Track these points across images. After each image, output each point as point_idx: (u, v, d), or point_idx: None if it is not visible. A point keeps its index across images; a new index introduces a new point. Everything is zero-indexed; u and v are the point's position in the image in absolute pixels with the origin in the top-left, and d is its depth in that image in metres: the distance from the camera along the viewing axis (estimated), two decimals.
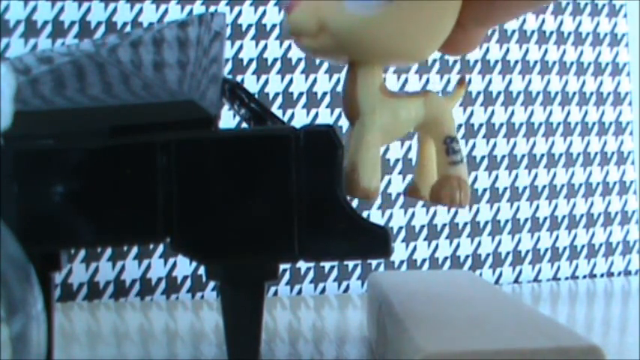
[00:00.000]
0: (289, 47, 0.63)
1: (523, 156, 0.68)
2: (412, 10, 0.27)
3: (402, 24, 0.27)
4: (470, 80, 0.67)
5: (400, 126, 0.30)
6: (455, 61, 0.67)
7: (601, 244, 0.70)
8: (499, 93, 0.68)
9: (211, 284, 0.59)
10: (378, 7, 0.27)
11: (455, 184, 0.30)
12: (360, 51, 0.28)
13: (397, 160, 0.64)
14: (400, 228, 0.64)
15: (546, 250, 0.68)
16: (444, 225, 0.65)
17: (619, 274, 0.70)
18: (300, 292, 0.61)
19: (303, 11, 0.28)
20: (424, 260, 0.64)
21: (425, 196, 0.32)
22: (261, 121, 0.34)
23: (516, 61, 0.69)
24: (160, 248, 0.59)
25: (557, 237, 0.69)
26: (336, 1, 0.27)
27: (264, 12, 0.63)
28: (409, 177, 0.64)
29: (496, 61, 0.68)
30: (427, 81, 0.66)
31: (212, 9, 0.62)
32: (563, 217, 0.69)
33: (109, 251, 0.57)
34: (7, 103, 0.21)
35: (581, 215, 0.70)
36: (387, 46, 0.28)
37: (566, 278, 0.68)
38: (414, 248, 0.64)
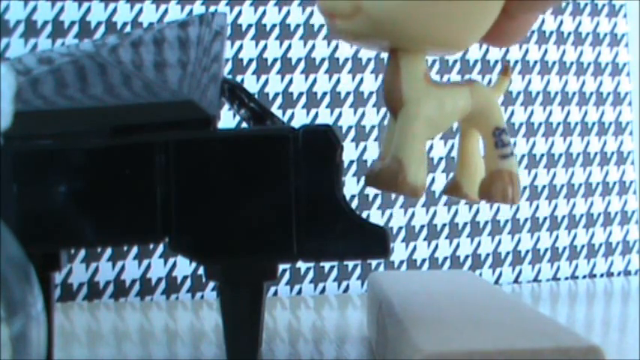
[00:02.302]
0: (289, 47, 0.63)
1: (523, 156, 0.68)
2: None
3: (442, 4, 0.25)
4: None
5: (446, 117, 0.28)
6: (455, 61, 0.67)
7: (601, 244, 0.70)
8: None
9: (211, 284, 0.59)
10: None
11: (507, 178, 0.28)
12: (397, 35, 0.26)
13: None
14: (400, 228, 0.64)
15: (546, 250, 0.68)
16: (444, 225, 0.65)
17: (619, 274, 0.70)
18: (300, 292, 0.61)
19: None
20: (424, 260, 0.64)
21: (468, 194, 0.30)
22: (260, 121, 0.34)
23: (516, 61, 0.69)
24: (160, 248, 0.59)
25: (557, 237, 0.69)
26: None
27: (264, 12, 0.63)
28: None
29: (496, 61, 0.68)
30: None
31: (212, 9, 0.62)
32: (563, 217, 0.69)
33: (109, 251, 0.57)
34: (7, 103, 0.21)
35: (581, 215, 0.70)
36: (427, 29, 0.26)
37: (566, 278, 0.68)
38: (414, 248, 0.64)
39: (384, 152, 0.29)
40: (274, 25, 0.63)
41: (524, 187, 0.68)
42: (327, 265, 0.62)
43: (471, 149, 0.30)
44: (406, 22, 0.25)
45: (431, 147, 0.64)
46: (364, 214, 0.62)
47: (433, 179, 0.65)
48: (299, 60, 0.63)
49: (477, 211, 0.66)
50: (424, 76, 0.27)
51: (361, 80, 0.64)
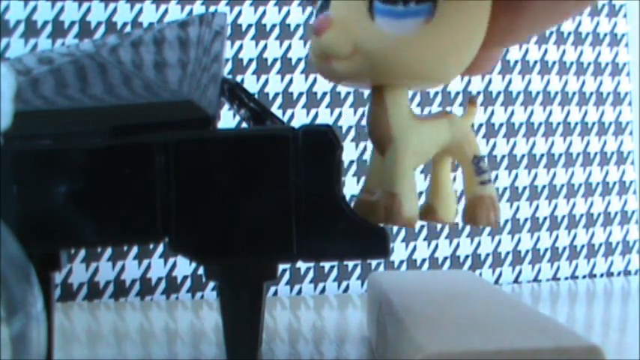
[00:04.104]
0: (289, 47, 0.63)
1: (523, 156, 0.68)
2: (447, 32, 0.27)
3: (436, 45, 0.27)
4: (469, 80, 0.67)
5: (430, 149, 0.29)
6: None
7: (601, 244, 0.70)
8: (499, 93, 0.68)
9: (211, 284, 0.59)
10: (414, 28, 0.26)
11: (489, 203, 0.30)
12: (392, 73, 0.27)
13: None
14: (400, 228, 0.64)
15: (546, 250, 0.68)
16: (444, 225, 0.65)
17: (619, 274, 0.70)
18: (300, 292, 0.61)
19: (336, 33, 0.27)
20: (424, 260, 0.64)
21: (442, 217, 0.32)
22: (260, 121, 0.35)
23: (516, 61, 0.69)
24: (160, 248, 0.59)
25: (556, 237, 0.69)
26: (366, 21, 0.27)
27: (264, 12, 0.63)
28: None
29: None
30: None
31: (212, 9, 0.62)
32: (563, 217, 0.69)
33: (109, 251, 0.57)
34: (7, 103, 0.21)
35: (581, 215, 0.70)
36: (420, 67, 0.27)
37: (566, 278, 0.68)
38: (414, 248, 0.64)
39: (370, 185, 0.30)
40: (274, 25, 0.63)
41: (525, 187, 0.68)
42: (327, 265, 0.62)
43: (444, 175, 0.32)
44: (402, 58, 0.27)
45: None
46: None
47: None
48: (299, 60, 0.63)
49: None
50: (408, 112, 0.29)
51: None
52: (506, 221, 0.67)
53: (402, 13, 0.26)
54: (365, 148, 0.64)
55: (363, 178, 0.31)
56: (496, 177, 0.67)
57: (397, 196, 0.27)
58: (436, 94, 0.66)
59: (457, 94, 0.67)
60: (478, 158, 0.30)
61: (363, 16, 0.27)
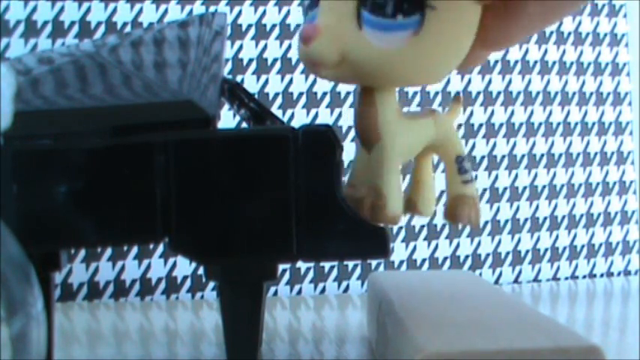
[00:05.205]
0: (289, 47, 0.63)
1: (523, 156, 0.68)
2: (435, 41, 0.27)
3: (424, 56, 0.27)
4: (469, 80, 0.67)
5: (415, 147, 0.30)
6: None
7: (601, 244, 0.70)
8: (499, 93, 0.68)
9: (211, 284, 0.59)
10: (402, 41, 0.26)
11: (471, 203, 0.30)
12: (380, 81, 0.28)
13: None
14: (400, 228, 0.64)
15: (546, 250, 0.68)
16: (444, 225, 0.65)
17: (619, 274, 0.70)
18: (300, 292, 0.61)
19: (324, 43, 0.26)
20: (424, 260, 0.64)
21: (422, 211, 0.33)
22: (260, 121, 0.35)
23: (516, 61, 0.69)
24: (160, 248, 0.59)
25: (557, 237, 0.69)
26: (354, 30, 0.26)
27: (264, 12, 0.63)
28: None
29: (496, 61, 0.68)
30: None
31: (212, 9, 0.62)
32: (563, 217, 0.69)
33: (109, 251, 0.57)
34: (7, 103, 0.21)
35: (581, 215, 0.70)
36: (408, 75, 0.28)
37: (566, 278, 0.68)
38: (414, 248, 0.64)
39: (355, 180, 0.30)
40: (274, 25, 0.63)
41: (525, 187, 0.68)
42: (327, 265, 0.62)
43: (425, 169, 0.33)
44: (389, 69, 0.27)
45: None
46: None
47: None
48: (299, 60, 0.63)
49: None
50: (397, 111, 0.29)
51: None
52: (506, 221, 0.67)
53: (390, 26, 0.26)
54: None
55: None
56: (496, 177, 0.67)
57: (383, 194, 0.28)
58: (436, 93, 0.66)
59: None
60: (461, 157, 0.31)
61: (351, 24, 0.26)
